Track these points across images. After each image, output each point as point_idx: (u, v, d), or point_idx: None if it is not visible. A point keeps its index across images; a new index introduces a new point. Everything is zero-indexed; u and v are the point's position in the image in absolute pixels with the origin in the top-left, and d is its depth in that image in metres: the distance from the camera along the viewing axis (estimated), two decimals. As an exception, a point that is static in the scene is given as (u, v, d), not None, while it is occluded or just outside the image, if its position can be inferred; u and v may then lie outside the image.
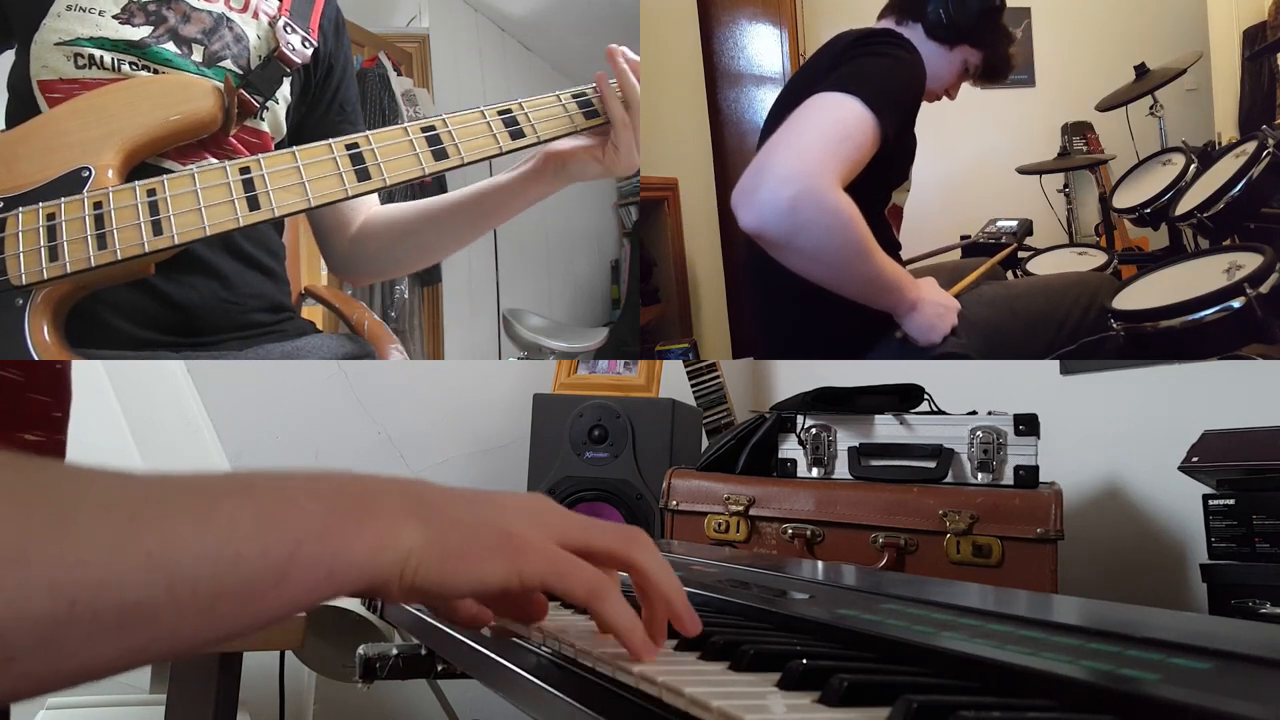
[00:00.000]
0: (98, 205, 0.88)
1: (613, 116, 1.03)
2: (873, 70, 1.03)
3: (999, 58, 1.20)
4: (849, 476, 1.34)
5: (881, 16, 1.23)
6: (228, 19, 1.02)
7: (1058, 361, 1.50)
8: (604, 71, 1.05)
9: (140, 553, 0.35)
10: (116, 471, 0.38)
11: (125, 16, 0.97)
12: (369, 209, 1.18)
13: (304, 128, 1.10)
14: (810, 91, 1.01)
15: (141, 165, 0.95)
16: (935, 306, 1.01)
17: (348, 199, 0.94)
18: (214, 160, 0.98)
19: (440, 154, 0.96)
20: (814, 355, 1.18)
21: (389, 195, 1.05)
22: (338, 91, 1.13)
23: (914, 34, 1.17)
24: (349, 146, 0.94)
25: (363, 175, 0.93)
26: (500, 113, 1.00)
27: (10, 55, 1.01)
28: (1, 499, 0.34)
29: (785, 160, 0.91)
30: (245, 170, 0.91)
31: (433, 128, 0.97)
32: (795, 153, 0.92)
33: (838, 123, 0.95)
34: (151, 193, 0.89)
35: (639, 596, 0.50)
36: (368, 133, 0.96)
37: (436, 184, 1.95)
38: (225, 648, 1.08)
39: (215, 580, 0.36)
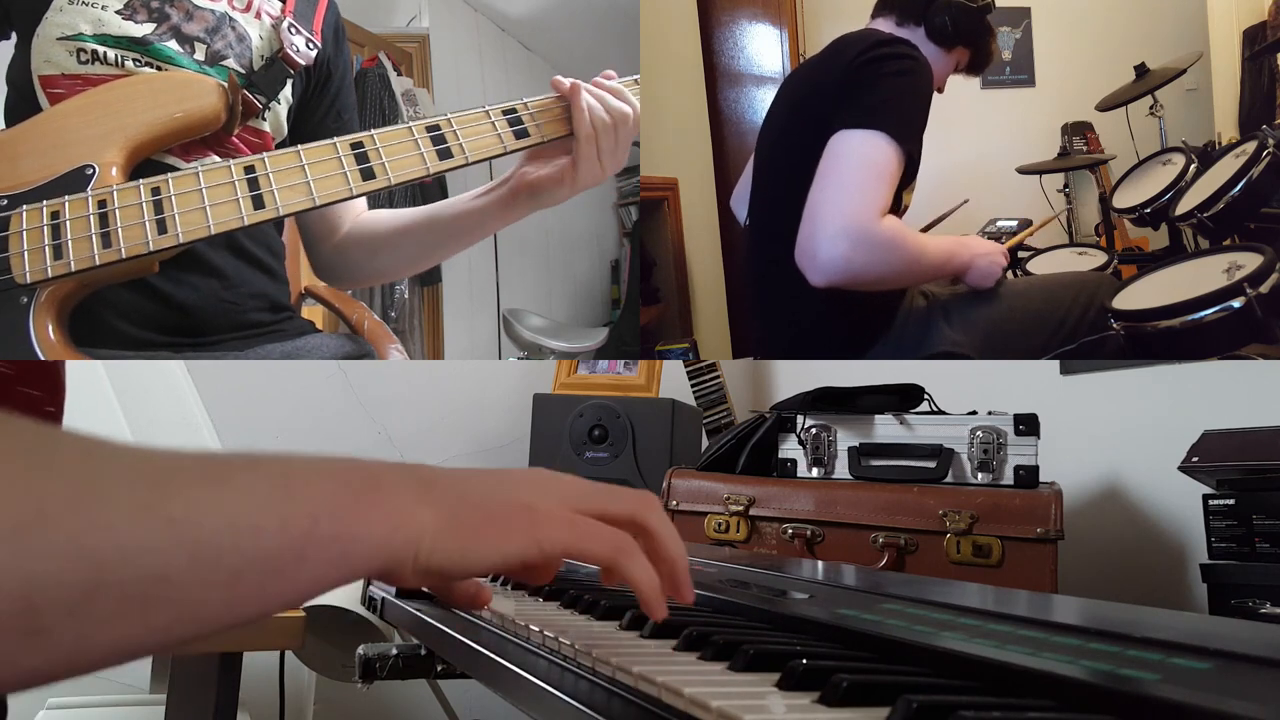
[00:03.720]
0: (102, 203, 0.87)
1: (578, 131, 1.00)
2: (892, 98, 1.07)
3: (985, 54, 1.26)
4: (849, 476, 1.34)
5: (876, 15, 1.23)
6: (230, 18, 1.02)
7: (1058, 361, 1.50)
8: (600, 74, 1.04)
9: (163, 519, 0.34)
10: (133, 444, 0.37)
11: (128, 12, 0.97)
12: (355, 216, 1.17)
13: (300, 132, 1.09)
14: (826, 118, 1.06)
15: (145, 162, 0.95)
16: (985, 258, 1.14)
17: (353, 197, 0.94)
18: (217, 159, 0.98)
19: (445, 153, 0.96)
20: (814, 355, 1.18)
21: (390, 196, 1.05)
22: (336, 98, 1.13)
23: (914, 36, 1.18)
24: (354, 145, 0.94)
25: (367, 174, 0.93)
26: (505, 112, 1.00)
27: (9, 47, 1.01)
28: (21, 462, 0.33)
29: (831, 218, 1.00)
30: (250, 169, 0.91)
31: (437, 127, 0.97)
32: (838, 208, 1.01)
33: (869, 164, 1.02)
34: (156, 191, 0.88)
35: (648, 558, 0.50)
36: (373, 132, 0.95)
37: (437, 183, 1.95)
38: (227, 645, 1.08)
39: (236, 553, 0.36)
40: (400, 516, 0.42)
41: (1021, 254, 1.62)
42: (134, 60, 0.96)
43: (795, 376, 2.04)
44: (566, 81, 1.01)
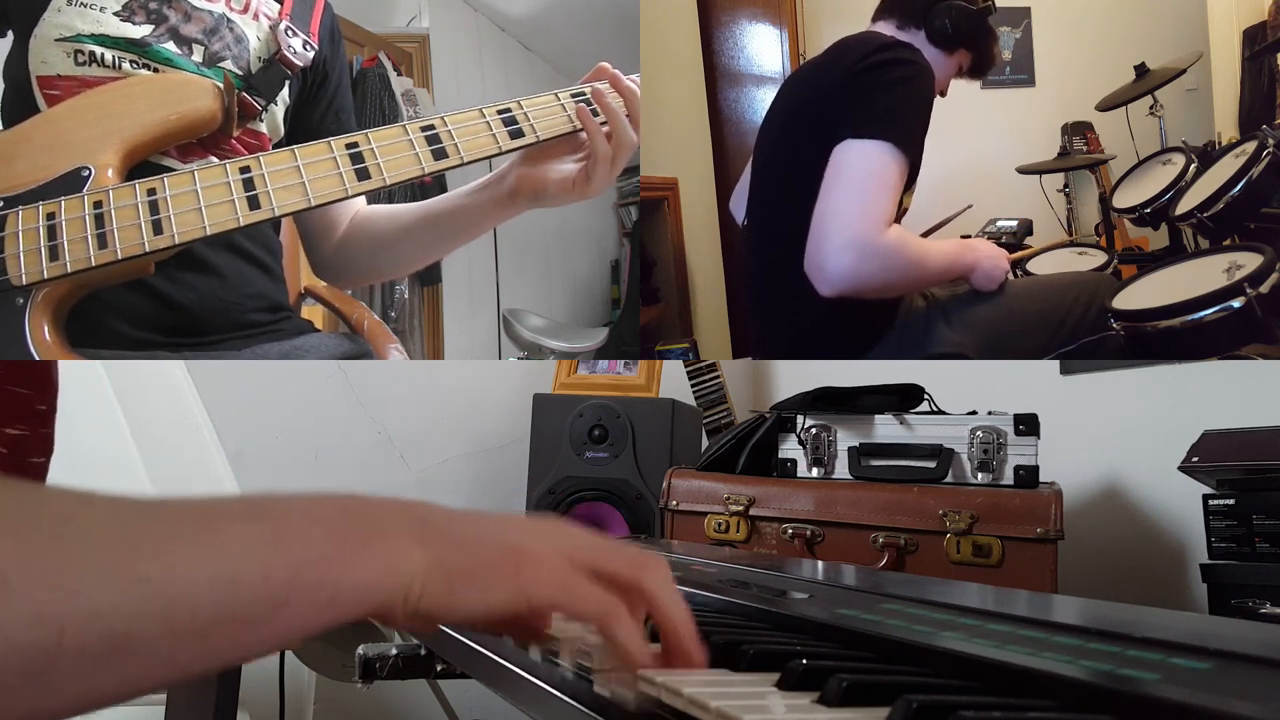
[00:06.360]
0: (98, 204, 0.87)
1: (595, 149, 1.00)
2: (896, 106, 1.07)
3: (987, 57, 1.25)
4: (849, 476, 1.34)
5: (877, 18, 1.23)
6: (228, 20, 1.02)
7: (1058, 361, 1.50)
8: (600, 90, 1.04)
9: (135, 579, 0.34)
10: (113, 496, 0.37)
11: (126, 14, 0.97)
12: (355, 213, 1.17)
13: (298, 133, 1.09)
14: (828, 124, 1.06)
15: (142, 164, 0.95)
16: (988, 260, 1.15)
17: (348, 198, 0.93)
18: (215, 160, 0.98)
19: (440, 153, 0.96)
20: (814, 355, 1.18)
21: (388, 194, 1.04)
22: (334, 99, 1.13)
23: (916, 39, 1.18)
24: (349, 146, 0.94)
25: (362, 175, 0.93)
26: (499, 112, 1.00)
27: (5, 42, 1.01)
28: None
29: (837, 231, 1.03)
30: (245, 169, 0.91)
31: (432, 127, 0.97)
32: (843, 221, 1.03)
33: (873, 175, 1.04)
34: (151, 192, 0.88)
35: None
36: (367, 132, 0.95)
37: (437, 183, 1.95)
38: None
39: (213, 606, 0.35)
40: (392, 559, 0.41)
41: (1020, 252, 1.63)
42: (131, 62, 0.96)
43: (795, 376, 2.04)
44: (610, 99, 1.02)
